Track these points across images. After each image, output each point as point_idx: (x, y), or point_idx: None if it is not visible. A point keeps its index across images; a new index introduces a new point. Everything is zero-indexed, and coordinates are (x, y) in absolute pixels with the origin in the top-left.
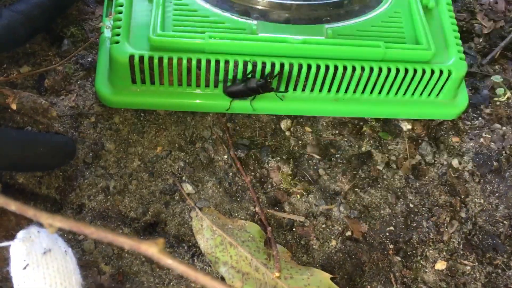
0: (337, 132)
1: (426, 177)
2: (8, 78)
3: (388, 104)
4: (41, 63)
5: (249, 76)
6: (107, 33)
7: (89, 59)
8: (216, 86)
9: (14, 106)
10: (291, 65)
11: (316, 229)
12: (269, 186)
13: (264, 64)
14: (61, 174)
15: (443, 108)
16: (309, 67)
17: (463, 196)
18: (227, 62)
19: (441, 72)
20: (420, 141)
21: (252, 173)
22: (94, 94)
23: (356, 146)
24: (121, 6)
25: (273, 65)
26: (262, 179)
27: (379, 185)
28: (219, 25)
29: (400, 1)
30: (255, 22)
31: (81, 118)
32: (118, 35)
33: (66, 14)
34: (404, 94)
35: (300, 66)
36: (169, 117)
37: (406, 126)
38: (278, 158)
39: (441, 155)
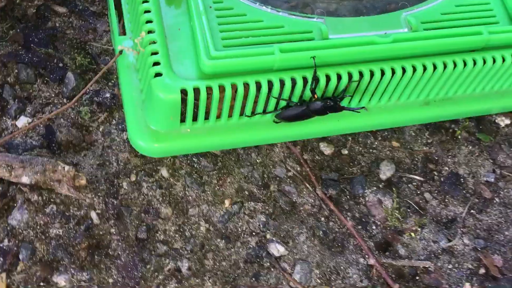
0: (429, 141)
1: None
2: (3, 139)
3: (484, 99)
4: (43, 109)
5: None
6: (129, 56)
7: (107, 95)
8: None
9: (25, 180)
10: (382, 72)
11: (443, 272)
12: (373, 227)
13: (339, 76)
14: (111, 264)
15: None
16: (403, 70)
17: None
18: (304, 79)
19: None
20: None
21: (349, 213)
22: (126, 142)
23: (456, 155)
24: (150, 22)
25: (339, 77)
26: (363, 219)
27: (494, 201)
28: (277, 30)
29: None
30: (321, 20)
31: (118, 179)
32: (157, 63)
33: (58, 34)
34: (502, 85)
35: (393, 71)
36: (229, 157)
37: (503, 121)
38: (374, 188)
39: None
